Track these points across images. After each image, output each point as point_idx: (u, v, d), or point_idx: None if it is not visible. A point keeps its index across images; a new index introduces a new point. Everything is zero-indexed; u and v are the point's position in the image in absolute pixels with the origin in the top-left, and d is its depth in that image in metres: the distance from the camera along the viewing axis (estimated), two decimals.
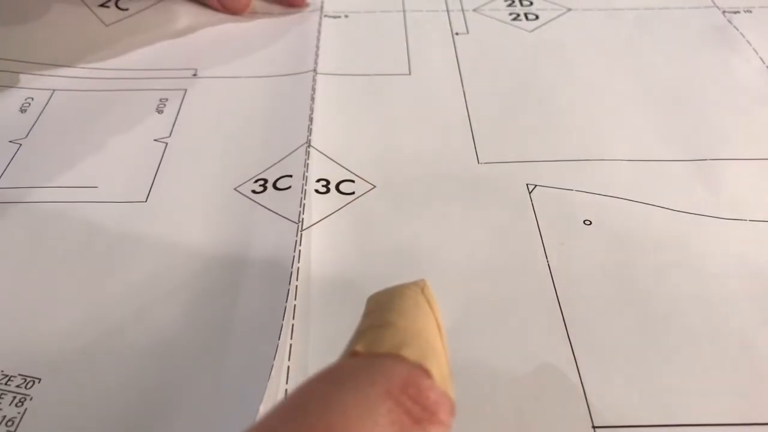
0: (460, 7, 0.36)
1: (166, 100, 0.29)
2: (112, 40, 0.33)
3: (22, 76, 0.30)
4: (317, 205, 0.24)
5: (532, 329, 0.20)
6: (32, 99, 0.29)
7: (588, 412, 0.18)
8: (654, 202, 0.24)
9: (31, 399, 0.18)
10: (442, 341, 0.14)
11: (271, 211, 0.23)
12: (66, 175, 0.25)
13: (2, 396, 0.18)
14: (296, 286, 0.21)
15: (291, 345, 0.19)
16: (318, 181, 0.25)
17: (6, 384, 0.18)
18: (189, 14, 0.34)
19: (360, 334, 0.13)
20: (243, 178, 0.25)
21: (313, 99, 0.29)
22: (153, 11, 0.34)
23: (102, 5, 0.34)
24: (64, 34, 0.33)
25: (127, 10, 0.34)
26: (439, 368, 0.13)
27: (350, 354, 0.13)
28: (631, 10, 0.35)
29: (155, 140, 0.27)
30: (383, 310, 0.14)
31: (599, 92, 0.29)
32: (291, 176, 0.25)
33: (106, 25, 0.34)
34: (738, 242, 0.22)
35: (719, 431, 0.17)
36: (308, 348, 0.19)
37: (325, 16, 0.35)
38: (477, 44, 0.33)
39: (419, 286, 0.15)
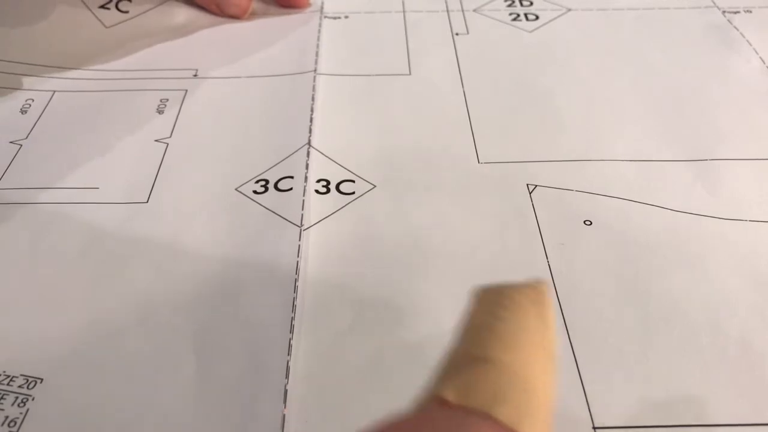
0: (460, 7, 0.36)
1: (167, 100, 0.29)
2: (113, 42, 0.33)
3: (23, 78, 0.30)
4: (317, 205, 0.24)
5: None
6: (33, 100, 0.29)
7: (588, 412, 0.18)
8: (654, 202, 0.24)
9: (33, 399, 0.18)
10: (547, 373, 0.12)
11: (272, 212, 0.23)
12: (67, 176, 0.25)
13: (4, 396, 0.18)
14: (296, 282, 0.21)
15: (290, 340, 0.19)
16: (318, 181, 0.25)
17: (8, 384, 0.18)
18: (189, 17, 0.34)
19: (453, 368, 0.12)
20: (244, 179, 0.25)
21: (313, 99, 0.29)
22: (153, 14, 0.34)
23: (102, 6, 0.34)
24: (64, 35, 0.33)
25: (127, 12, 0.34)
26: (536, 427, 0.11)
27: (438, 400, 0.11)
28: (631, 10, 0.35)
29: (156, 141, 0.27)
30: (487, 331, 0.12)
31: (599, 92, 0.29)
32: (292, 177, 0.25)
33: (107, 27, 0.34)
34: (738, 242, 0.22)
35: (719, 431, 0.17)
36: (307, 347, 0.19)
37: (325, 16, 0.35)
38: (477, 44, 0.33)
39: (537, 291, 0.13)
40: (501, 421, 0.11)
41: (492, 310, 0.13)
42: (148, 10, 0.35)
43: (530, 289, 0.13)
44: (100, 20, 0.34)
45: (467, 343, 0.12)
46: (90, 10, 0.34)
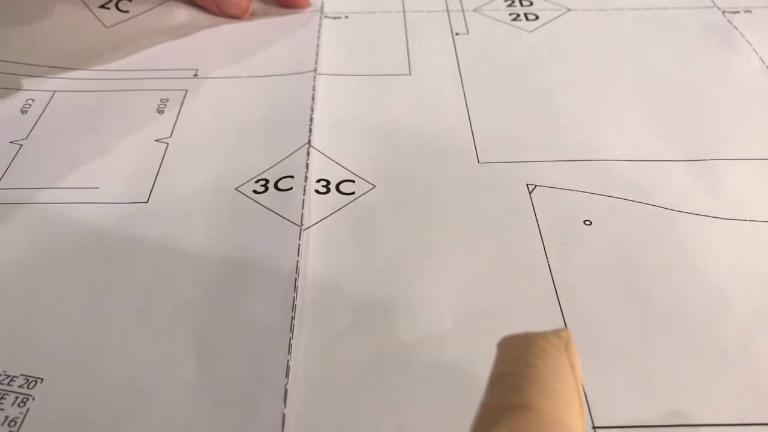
0: (460, 7, 0.36)
1: (167, 100, 0.29)
2: (113, 42, 0.33)
3: (23, 78, 0.30)
4: (317, 205, 0.24)
5: (532, 329, 0.20)
6: (33, 100, 0.29)
7: (588, 412, 0.18)
8: (654, 202, 0.24)
9: (33, 399, 0.18)
10: (582, 419, 0.12)
11: (272, 211, 0.23)
12: (67, 176, 0.25)
13: (5, 396, 0.18)
14: (296, 282, 0.21)
15: (290, 340, 0.19)
16: (318, 181, 0.25)
17: (8, 384, 0.18)
18: (189, 17, 0.34)
19: (497, 415, 0.12)
20: (244, 178, 0.25)
21: (313, 99, 0.29)
22: (153, 14, 0.34)
23: (102, 6, 0.34)
24: (64, 35, 0.33)
25: (127, 12, 0.34)
26: None
27: None
28: (631, 10, 0.35)
29: (156, 141, 0.27)
30: (522, 379, 0.12)
31: (599, 92, 0.29)
32: (292, 177, 0.25)
33: (107, 27, 0.34)
34: (738, 242, 0.22)
35: (719, 431, 0.17)
36: (307, 347, 0.19)
37: (325, 16, 0.35)
38: (477, 44, 0.33)
39: (563, 340, 0.13)
40: None
41: (522, 358, 0.13)
42: (148, 10, 0.35)
43: (555, 337, 0.13)
44: (100, 20, 0.34)
45: (505, 390, 0.12)
46: (90, 10, 0.34)
